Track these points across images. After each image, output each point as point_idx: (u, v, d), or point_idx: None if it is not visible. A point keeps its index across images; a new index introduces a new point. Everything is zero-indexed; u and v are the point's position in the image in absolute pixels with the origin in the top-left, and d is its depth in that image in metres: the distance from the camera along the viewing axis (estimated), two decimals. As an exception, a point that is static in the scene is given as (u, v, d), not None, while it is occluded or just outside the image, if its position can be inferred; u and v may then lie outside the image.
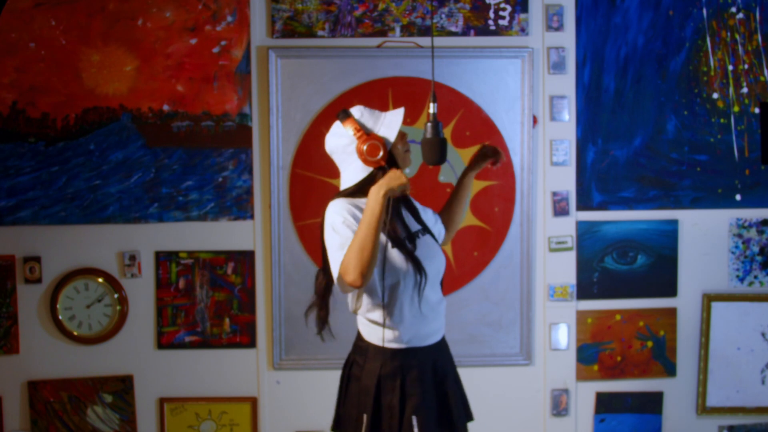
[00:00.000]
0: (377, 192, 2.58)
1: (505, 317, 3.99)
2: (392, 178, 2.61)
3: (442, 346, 2.85)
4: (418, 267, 2.68)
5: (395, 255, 2.69)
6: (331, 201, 2.73)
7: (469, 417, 2.92)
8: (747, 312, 4.07)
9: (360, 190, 2.72)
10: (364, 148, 2.67)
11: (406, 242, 2.71)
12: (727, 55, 4.00)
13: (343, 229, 2.65)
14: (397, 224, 2.73)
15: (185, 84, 3.86)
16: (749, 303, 4.06)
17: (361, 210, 2.68)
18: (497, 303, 3.98)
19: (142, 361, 3.94)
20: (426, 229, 2.84)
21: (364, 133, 2.69)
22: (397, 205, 2.76)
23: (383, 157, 2.68)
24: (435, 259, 2.77)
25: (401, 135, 2.76)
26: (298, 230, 3.89)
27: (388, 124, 2.71)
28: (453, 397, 2.80)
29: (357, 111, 2.75)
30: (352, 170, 2.73)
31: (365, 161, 2.69)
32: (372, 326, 2.76)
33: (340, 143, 2.73)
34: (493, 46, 3.91)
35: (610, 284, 4.02)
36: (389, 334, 2.74)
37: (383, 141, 2.68)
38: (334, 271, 2.64)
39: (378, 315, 2.74)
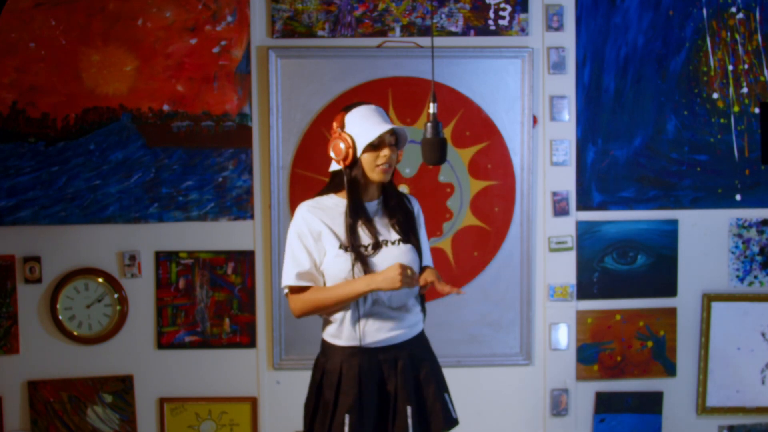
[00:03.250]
0: (367, 283, 2.66)
1: (505, 317, 3.99)
2: (387, 280, 2.63)
3: (400, 350, 2.79)
4: (367, 271, 2.70)
5: (342, 257, 2.72)
6: (301, 203, 2.82)
7: (449, 424, 2.84)
8: (747, 312, 4.07)
9: (333, 187, 2.84)
10: (332, 144, 2.75)
11: (360, 249, 2.73)
12: (727, 55, 4.00)
13: (296, 241, 2.76)
14: (362, 232, 2.75)
15: (185, 84, 3.86)
16: (749, 303, 4.06)
17: (322, 210, 2.76)
18: (497, 303, 3.98)
19: (142, 361, 3.94)
20: (407, 241, 2.81)
21: (341, 130, 2.73)
22: (362, 212, 2.77)
23: (344, 159, 2.72)
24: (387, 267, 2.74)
25: (387, 147, 2.73)
26: (298, 230, 3.89)
27: (365, 131, 2.71)
28: (401, 404, 2.75)
29: (358, 110, 2.76)
30: (333, 160, 2.81)
31: (332, 156, 2.77)
32: (324, 321, 2.84)
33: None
34: (493, 46, 3.91)
35: (610, 284, 4.02)
36: (334, 330, 2.79)
37: (351, 144, 2.71)
38: (283, 280, 2.78)
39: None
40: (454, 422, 2.86)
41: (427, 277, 2.76)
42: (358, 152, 2.71)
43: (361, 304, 2.74)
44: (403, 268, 2.63)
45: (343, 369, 2.75)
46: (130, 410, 3.94)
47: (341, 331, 2.77)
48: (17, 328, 3.89)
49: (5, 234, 3.86)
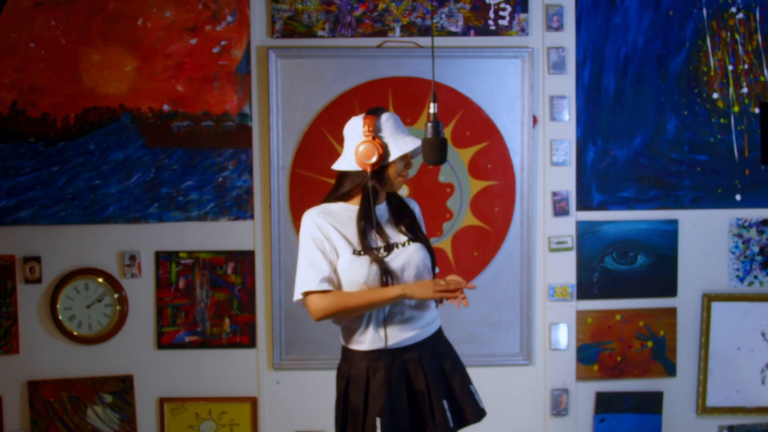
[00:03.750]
0: (402, 289, 2.68)
1: (505, 317, 3.99)
2: (423, 288, 2.68)
3: (423, 347, 2.80)
4: (386, 273, 2.70)
5: (358, 261, 2.72)
6: (307, 210, 2.81)
7: (479, 415, 2.86)
8: (747, 312, 4.07)
9: (342, 195, 2.81)
10: (362, 147, 2.71)
11: (374, 251, 2.73)
12: (727, 55, 4.00)
13: (311, 247, 2.75)
14: (374, 235, 2.75)
15: (185, 84, 3.86)
16: (749, 303, 4.06)
17: (332, 215, 2.76)
18: (497, 303, 3.98)
19: (142, 361, 3.94)
20: (416, 239, 2.83)
21: (373, 135, 2.71)
22: (377, 218, 2.77)
23: (373, 165, 2.70)
24: (409, 267, 2.76)
25: (407, 162, 2.78)
26: (298, 230, 3.88)
27: (401, 144, 2.73)
28: (436, 399, 2.76)
29: (387, 117, 2.76)
30: (347, 159, 2.78)
31: (357, 159, 2.73)
32: (343, 328, 2.84)
33: (353, 132, 2.77)
34: (493, 46, 3.91)
35: (610, 284, 4.02)
36: (356, 336, 2.79)
37: (383, 152, 2.70)
38: (297, 286, 2.75)
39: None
40: (483, 412, 2.88)
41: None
42: (389, 160, 2.71)
43: (380, 309, 2.75)
44: (435, 282, 2.70)
45: (369, 373, 2.75)
46: (130, 410, 3.94)
47: (365, 336, 2.77)
48: (17, 328, 3.89)
49: (5, 234, 3.86)
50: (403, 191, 2.92)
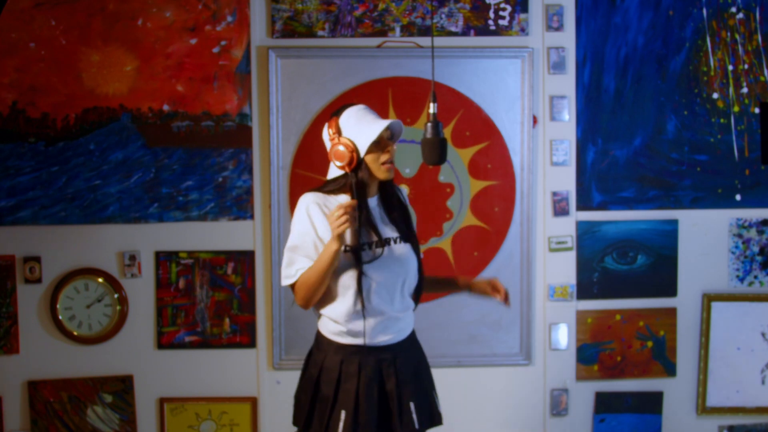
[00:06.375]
0: (330, 246, 2.64)
1: (505, 317, 3.99)
2: (333, 226, 2.61)
3: (398, 349, 2.81)
4: (360, 274, 2.70)
5: (345, 258, 2.71)
6: (305, 192, 2.79)
7: (434, 422, 2.89)
8: (747, 312, 4.07)
9: (335, 188, 2.79)
10: (333, 151, 2.72)
11: (365, 247, 2.72)
12: (727, 55, 4.00)
13: (296, 235, 2.76)
14: (363, 230, 2.73)
15: (185, 84, 3.86)
16: (749, 303, 4.06)
17: (328, 207, 2.73)
18: (497, 303, 3.96)
19: (142, 361, 3.94)
20: (407, 239, 2.82)
21: (338, 136, 2.71)
22: (367, 212, 2.75)
23: (348, 164, 2.70)
24: (394, 267, 2.76)
25: (384, 147, 2.73)
26: (298, 230, 3.89)
27: (367, 134, 2.69)
28: (404, 401, 2.78)
29: (349, 112, 2.75)
30: (332, 167, 2.78)
31: (334, 163, 2.74)
32: (322, 317, 2.83)
33: (326, 140, 2.79)
34: (493, 46, 3.91)
35: (610, 284, 4.02)
36: (333, 326, 2.79)
37: (353, 148, 2.69)
38: (283, 270, 2.78)
39: (326, 308, 2.80)
40: (439, 417, 2.91)
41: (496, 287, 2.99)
42: (361, 154, 2.70)
43: (359, 305, 2.74)
44: (335, 213, 2.62)
45: (342, 367, 2.77)
46: (130, 410, 3.94)
47: (345, 330, 2.77)
48: (17, 328, 3.89)
49: (5, 234, 3.86)
50: (404, 191, 2.91)
